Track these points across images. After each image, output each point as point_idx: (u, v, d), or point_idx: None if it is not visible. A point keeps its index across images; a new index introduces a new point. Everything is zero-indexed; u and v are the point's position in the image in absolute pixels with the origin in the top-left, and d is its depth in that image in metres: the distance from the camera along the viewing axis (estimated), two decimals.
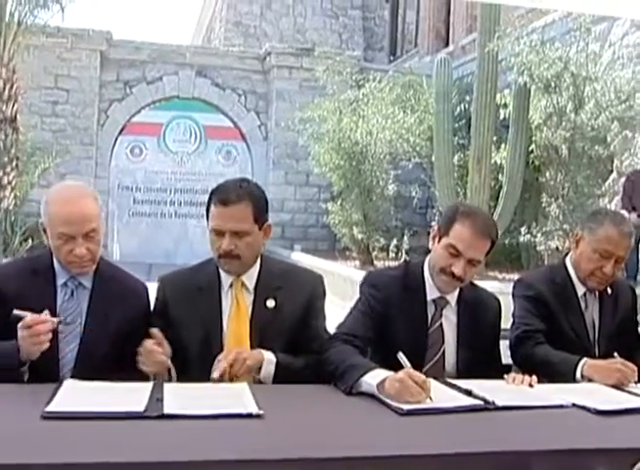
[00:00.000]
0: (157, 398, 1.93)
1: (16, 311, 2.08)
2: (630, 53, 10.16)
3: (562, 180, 10.06)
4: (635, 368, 2.41)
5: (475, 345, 2.55)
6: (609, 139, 10.10)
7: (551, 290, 2.76)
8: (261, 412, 1.84)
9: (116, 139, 15.68)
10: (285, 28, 20.38)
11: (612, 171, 10.36)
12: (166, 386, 2.07)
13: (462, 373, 2.49)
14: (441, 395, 2.11)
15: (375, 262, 12.70)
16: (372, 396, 2.07)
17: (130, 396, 1.94)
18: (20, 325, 2.06)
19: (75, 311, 2.34)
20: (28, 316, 2.07)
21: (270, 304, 2.42)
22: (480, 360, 2.54)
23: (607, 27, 10.58)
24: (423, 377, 2.03)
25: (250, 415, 1.83)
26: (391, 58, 20.44)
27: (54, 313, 2.26)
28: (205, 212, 2.51)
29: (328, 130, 12.88)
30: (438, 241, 2.52)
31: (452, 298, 2.58)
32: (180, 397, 1.96)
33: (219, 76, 16.01)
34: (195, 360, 2.35)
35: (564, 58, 9.85)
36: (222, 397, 2.00)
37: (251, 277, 2.46)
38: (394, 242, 12.55)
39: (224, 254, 2.38)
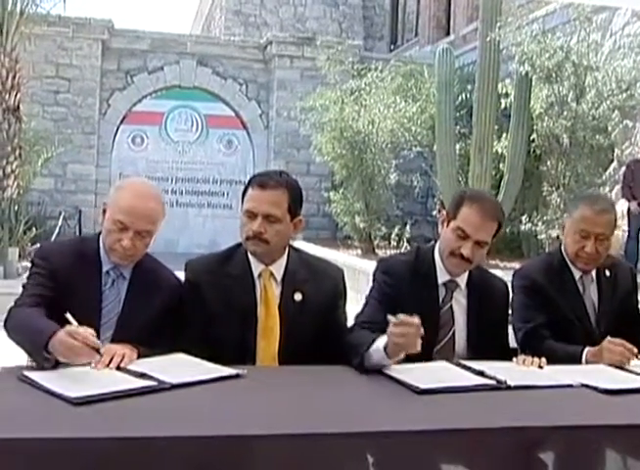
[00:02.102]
0: (139, 373, 2.01)
1: (68, 315, 2.07)
2: (631, 42, 10.20)
3: (563, 169, 10.13)
4: (631, 346, 2.48)
5: (483, 327, 2.62)
6: (609, 128, 10.16)
7: (547, 277, 2.83)
8: (245, 372, 2.08)
9: (118, 128, 15.73)
10: (285, 17, 20.38)
11: (612, 161, 10.43)
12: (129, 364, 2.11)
13: (471, 354, 2.57)
14: (455, 375, 2.19)
15: (376, 251, 12.78)
16: (389, 376, 2.14)
17: (110, 376, 2.00)
18: (67, 332, 1.98)
19: (115, 301, 2.40)
20: (79, 329, 1.99)
21: (297, 297, 2.47)
22: (488, 342, 2.60)
23: (608, 17, 10.62)
24: (411, 320, 2.12)
25: (237, 376, 2.07)
26: (392, 47, 20.45)
27: (99, 300, 2.36)
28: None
29: (330, 120, 12.92)
30: (447, 225, 2.58)
31: (462, 281, 2.64)
32: (159, 369, 2.04)
33: (220, 66, 16.04)
34: (229, 347, 2.38)
35: (565, 47, 9.90)
36: (189, 366, 2.16)
37: (278, 268, 2.49)
38: (396, 231, 12.64)
39: (253, 235, 2.40)
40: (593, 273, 2.86)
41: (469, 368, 2.27)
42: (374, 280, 2.68)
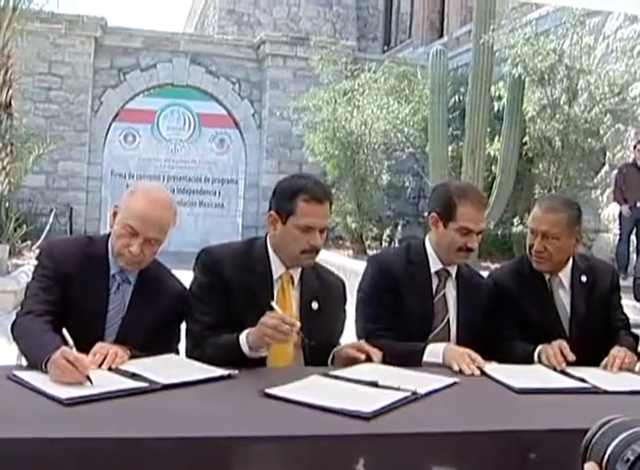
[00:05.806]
0: (131, 374, 2.01)
1: (65, 332, 2.05)
2: (624, 46, 10.24)
3: (555, 172, 10.16)
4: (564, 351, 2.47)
5: (473, 314, 2.68)
6: (601, 132, 10.19)
7: (516, 281, 2.84)
8: (237, 372, 2.08)
9: (110, 126, 15.67)
10: (278, 17, 20.35)
11: (604, 164, 10.46)
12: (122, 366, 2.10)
13: (464, 342, 2.59)
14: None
15: (368, 252, 12.77)
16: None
17: (102, 377, 1.97)
18: (61, 354, 1.92)
19: (119, 306, 2.36)
20: (73, 353, 1.94)
21: (315, 305, 2.45)
22: (478, 328, 2.67)
23: (601, 21, 10.65)
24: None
25: (229, 376, 2.07)
26: (385, 48, 20.44)
27: (106, 303, 2.32)
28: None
29: (323, 120, 12.92)
30: (444, 226, 2.65)
31: (453, 270, 2.73)
32: (150, 370, 2.04)
33: (213, 64, 16.01)
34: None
35: (558, 50, 9.94)
36: (180, 366, 2.18)
37: (297, 272, 2.48)
38: (387, 231, 12.65)
39: (313, 249, 2.38)
40: (563, 277, 2.82)
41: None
42: (369, 278, 2.72)
